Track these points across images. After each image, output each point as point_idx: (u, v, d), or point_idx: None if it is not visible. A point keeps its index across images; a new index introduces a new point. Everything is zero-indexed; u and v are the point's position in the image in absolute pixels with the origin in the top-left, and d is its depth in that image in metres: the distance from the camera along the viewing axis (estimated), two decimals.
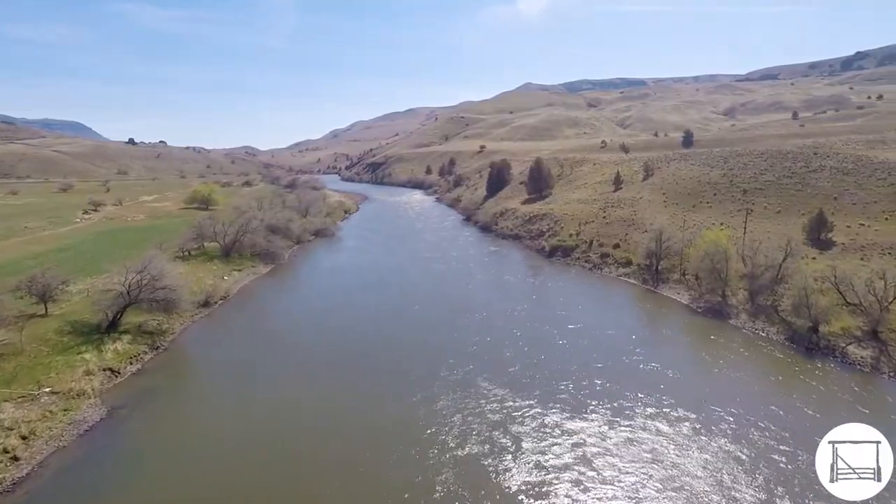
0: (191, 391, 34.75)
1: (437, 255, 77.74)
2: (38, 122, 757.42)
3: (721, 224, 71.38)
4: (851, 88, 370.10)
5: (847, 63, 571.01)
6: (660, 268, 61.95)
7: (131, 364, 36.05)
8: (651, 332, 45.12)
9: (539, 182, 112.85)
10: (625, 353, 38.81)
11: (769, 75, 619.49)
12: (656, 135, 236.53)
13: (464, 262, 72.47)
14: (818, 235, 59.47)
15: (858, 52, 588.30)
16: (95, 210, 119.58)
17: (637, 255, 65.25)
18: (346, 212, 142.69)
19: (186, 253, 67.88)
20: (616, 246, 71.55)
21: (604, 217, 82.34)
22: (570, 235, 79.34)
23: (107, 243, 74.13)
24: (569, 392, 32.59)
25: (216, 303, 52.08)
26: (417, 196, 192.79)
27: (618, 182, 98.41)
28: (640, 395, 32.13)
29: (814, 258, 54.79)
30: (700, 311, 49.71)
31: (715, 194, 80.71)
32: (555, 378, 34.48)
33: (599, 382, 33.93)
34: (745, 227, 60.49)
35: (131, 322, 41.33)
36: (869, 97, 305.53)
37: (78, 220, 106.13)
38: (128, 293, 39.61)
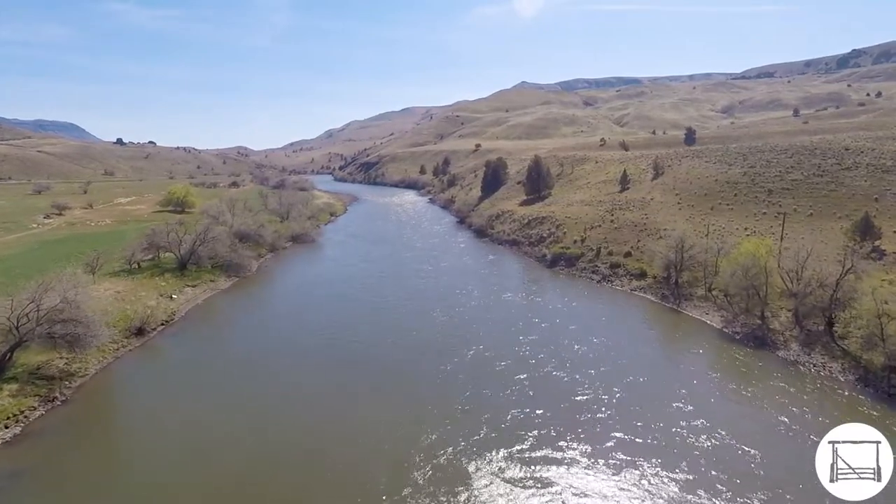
0: (84, 470, 25.72)
1: (427, 266, 68.85)
2: (30, 123, 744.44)
3: (746, 229, 63.16)
4: (849, 86, 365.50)
5: (843, 61, 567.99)
6: (680, 281, 53.60)
7: (7, 428, 27.16)
8: (696, 377, 34.53)
9: (538, 182, 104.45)
10: (673, 415, 28.94)
11: (765, 73, 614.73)
12: (654, 133, 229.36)
13: (457, 276, 63.37)
14: (864, 243, 51.12)
15: (854, 50, 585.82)
16: (60, 214, 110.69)
17: (653, 266, 56.77)
18: (331, 214, 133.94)
19: (136, 266, 58.97)
20: (627, 255, 63.09)
21: (611, 221, 73.85)
22: (575, 242, 70.83)
23: (49, 254, 64.95)
24: (611, 499, 22.40)
25: (154, 329, 43.21)
26: (410, 196, 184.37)
27: (624, 181, 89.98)
28: (716, 502, 22.01)
29: (864, 271, 46.40)
30: (738, 337, 41.13)
31: (735, 195, 72.32)
32: (587, 468, 24.40)
33: (653, 474, 23.72)
34: (781, 235, 51.98)
35: (27, 363, 32.51)
36: (868, 94, 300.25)
37: (36, 225, 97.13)
38: (16, 328, 30.78)
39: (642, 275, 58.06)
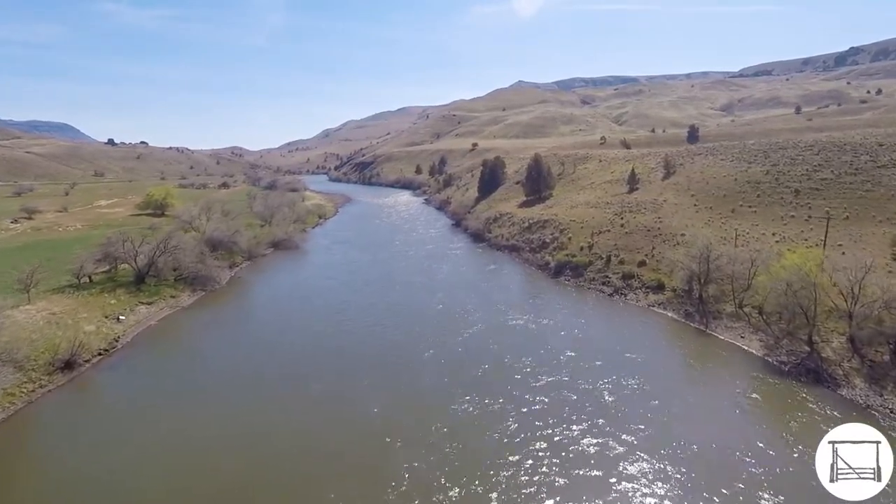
0: None
1: (420, 278, 61.56)
2: (23, 124, 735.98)
3: (773, 234, 56.56)
4: (848, 83, 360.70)
5: (841, 58, 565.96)
6: (704, 295, 46.91)
7: None
8: (768, 441, 26.13)
9: (538, 181, 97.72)
10: None
11: (763, 71, 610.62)
12: (653, 131, 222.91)
13: (453, 291, 55.60)
14: None
15: (852, 48, 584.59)
16: (29, 218, 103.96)
17: (673, 278, 50.10)
18: (321, 216, 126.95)
19: (87, 279, 51.94)
20: (641, 263, 56.35)
21: (621, 225, 67.05)
22: (581, 248, 64.05)
23: None
24: None
25: (88, 361, 36.22)
26: (405, 197, 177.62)
27: (633, 181, 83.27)
28: None
29: None
30: (787, 369, 34.33)
31: (758, 196, 65.60)
32: None
33: None
34: (824, 242, 45.20)
35: None
36: (868, 92, 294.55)
37: None
38: None
39: (660, 287, 51.34)
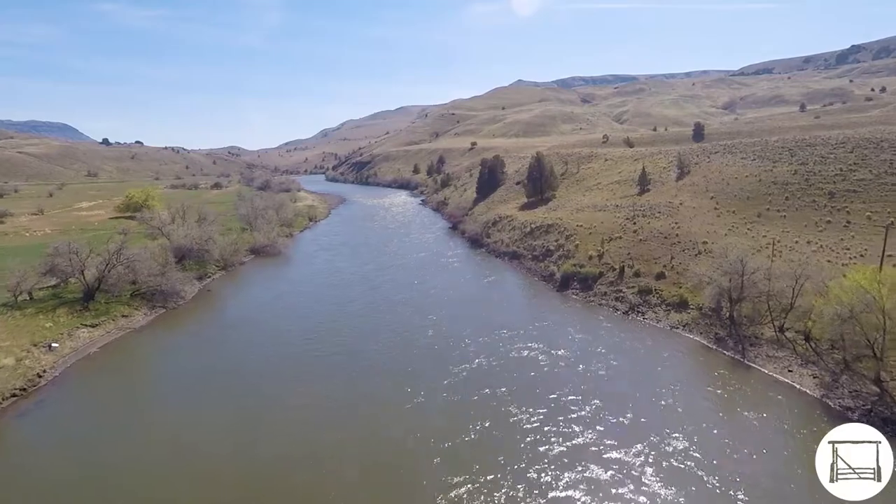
0: None
1: (410, 294, 54.30)
2: (22, 124, 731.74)
3: (808, 242, 50.06)
4: (851, 81, 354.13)
5: (842, 56, 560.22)
6: (736, 315, 40.38)
7: None
8: None
9: (540, 182, 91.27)
10: None
11: (764, 70, 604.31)
12: (655, 129, 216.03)
13: (448, 312, 48.15)
14: None
15: (854, 46, 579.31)
16: (1, 222, 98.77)
17: (698, 294, 43.50)
18: (311, 219, 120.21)
19: (27, 296, 45.37)
20: (660, 276, 49.77)
21: (634, 231, 60.41)
22: (590, 258, 57.46)
23: None
24: None
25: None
26: (401, 198, 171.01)
27: (644, 182, 76.66)
28: None
29: None
30: (855, 418, 27.65)
31: (787, 198, 58.95)
32: None
33: None
34: (882, 255, 38.45)
35: None
36: (872, 90, 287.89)
37: None
38: None
39: (683, 304, 44.73)
